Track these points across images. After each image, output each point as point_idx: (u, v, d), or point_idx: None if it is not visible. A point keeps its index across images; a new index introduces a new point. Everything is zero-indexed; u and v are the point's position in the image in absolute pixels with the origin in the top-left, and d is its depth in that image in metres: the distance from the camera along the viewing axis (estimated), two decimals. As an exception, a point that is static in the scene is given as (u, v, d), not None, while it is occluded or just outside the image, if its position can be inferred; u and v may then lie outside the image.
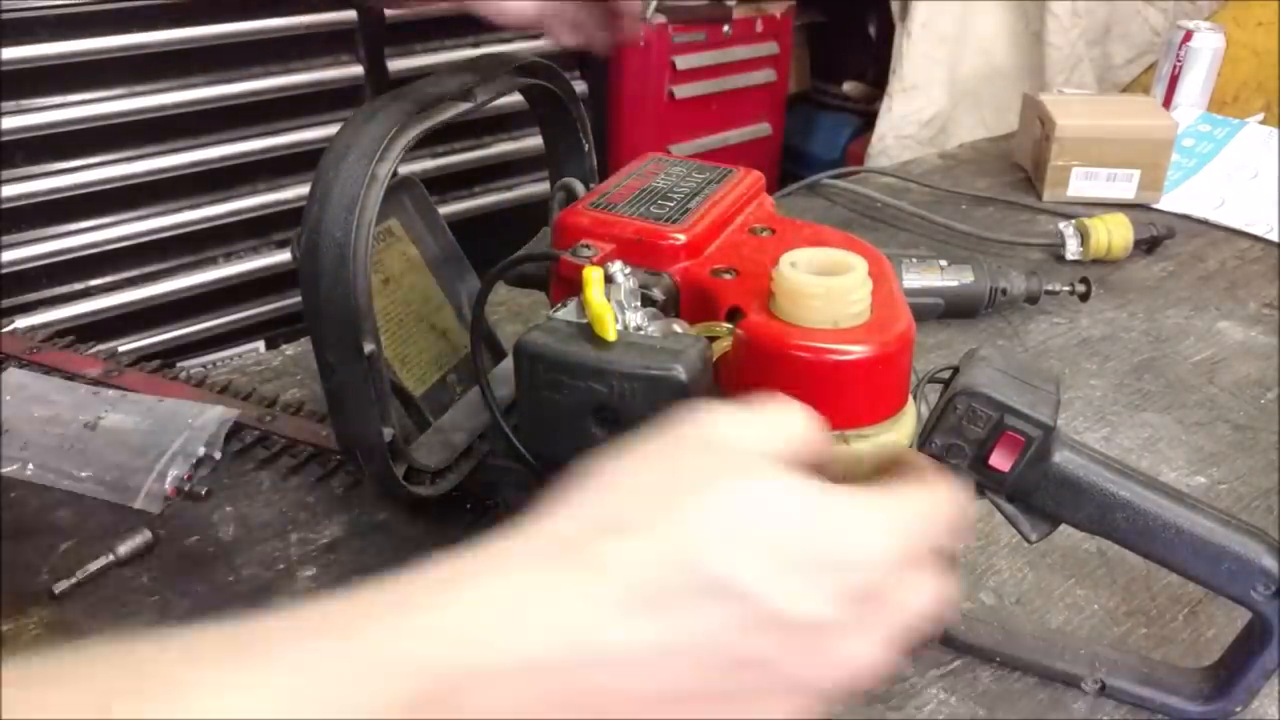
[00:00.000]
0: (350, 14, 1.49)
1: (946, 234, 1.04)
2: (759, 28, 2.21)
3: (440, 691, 0.26)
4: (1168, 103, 1.31)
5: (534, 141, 0.54)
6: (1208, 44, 1.27)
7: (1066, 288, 0.88)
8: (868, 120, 2.12)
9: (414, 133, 0.49)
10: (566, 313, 0.43)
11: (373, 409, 0.52)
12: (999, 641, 0.52)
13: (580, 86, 0.52)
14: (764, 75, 2.27)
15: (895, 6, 1.97)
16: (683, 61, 2.08)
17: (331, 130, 0.47)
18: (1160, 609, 0.57)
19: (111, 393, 0.70)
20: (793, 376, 0.40)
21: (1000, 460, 0.46)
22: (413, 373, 0.63)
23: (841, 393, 0.40)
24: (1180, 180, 1.18)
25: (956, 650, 0.53)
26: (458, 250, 0.67)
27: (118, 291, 1.46)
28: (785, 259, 0.41)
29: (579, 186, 0.56)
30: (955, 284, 0.86)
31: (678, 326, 0.42)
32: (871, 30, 2.40)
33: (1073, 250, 0.99)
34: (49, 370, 0.73)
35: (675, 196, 0.48)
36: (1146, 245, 1.01)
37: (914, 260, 0.87)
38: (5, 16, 1.23)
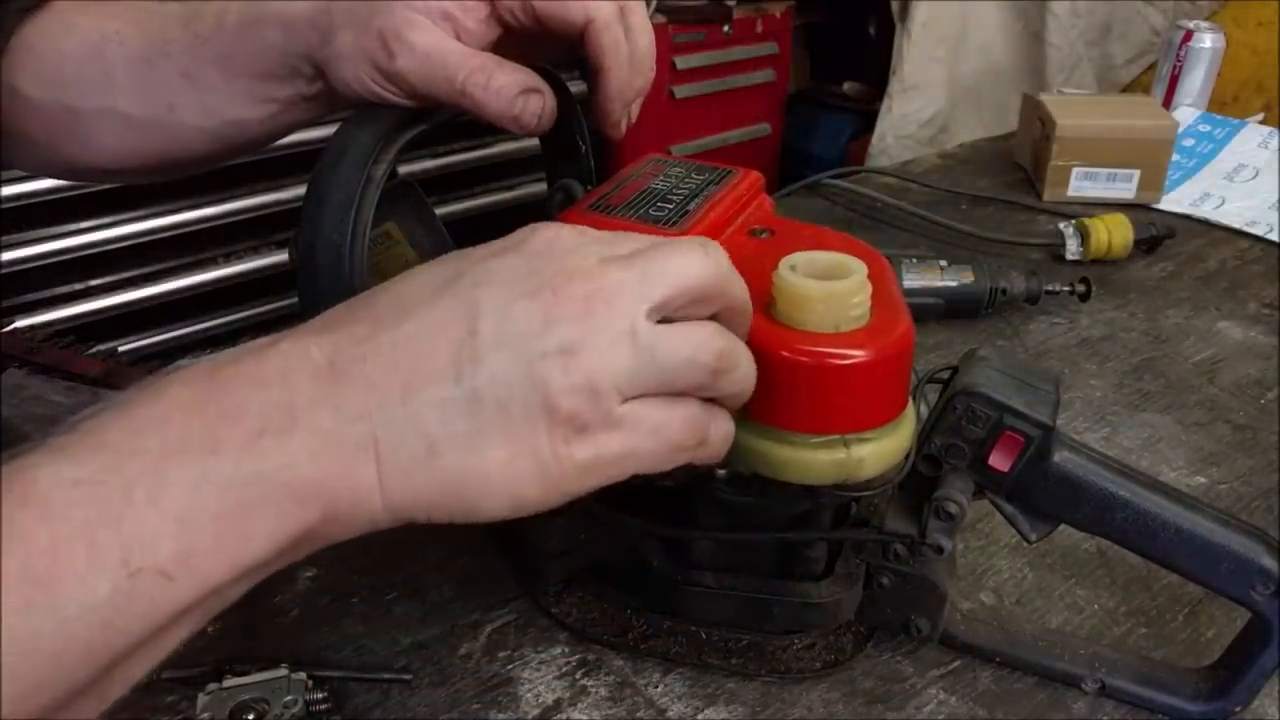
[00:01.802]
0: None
1: (946, 234, 1.04)
2: (759, 28, 2.22)
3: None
4: (1168, 103, 1.31)
5: (533, 141, 0.53)
6: (1208, 44, 1.27)
7: (1066, 288, 0.88)
8: (868, 120, 2.12)
9: (410, 134, 0.49)
10: None
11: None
12: (999, 641, 0.52)
13: (578, 87, 0.52)
14: (764, 75, 2.27)
15: (895, 6, 1.97)
16: (683, 61, 2.08)
17: (331, 130, 0.47)
18: (1160, 609, 0.57)
19: (111, 393, 0.70)
20: (792, 381, 0.40)
21: (999, 460, 0.46)
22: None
23: (842, 397, 0.40)
24: (1180, 180, 1.18)
25: (956, 650, 0.53)
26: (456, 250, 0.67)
27: (118, 291, 1.46)
28: (785, 262, 0.41)
29: (577, 188, 0.56)
30: (955, 284, 0.86)
31: None
32: (871, 30, 2.40)
33: (1073, 250, 0.99)
34: (49, 370, 0.73)
35: (674, 199, 0.48)
36: (1146, 245, 1.01)
37: (914, 260, 0.87)
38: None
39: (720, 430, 0.38)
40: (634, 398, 0.35)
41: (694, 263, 0.36)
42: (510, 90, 0.45)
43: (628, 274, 0.35)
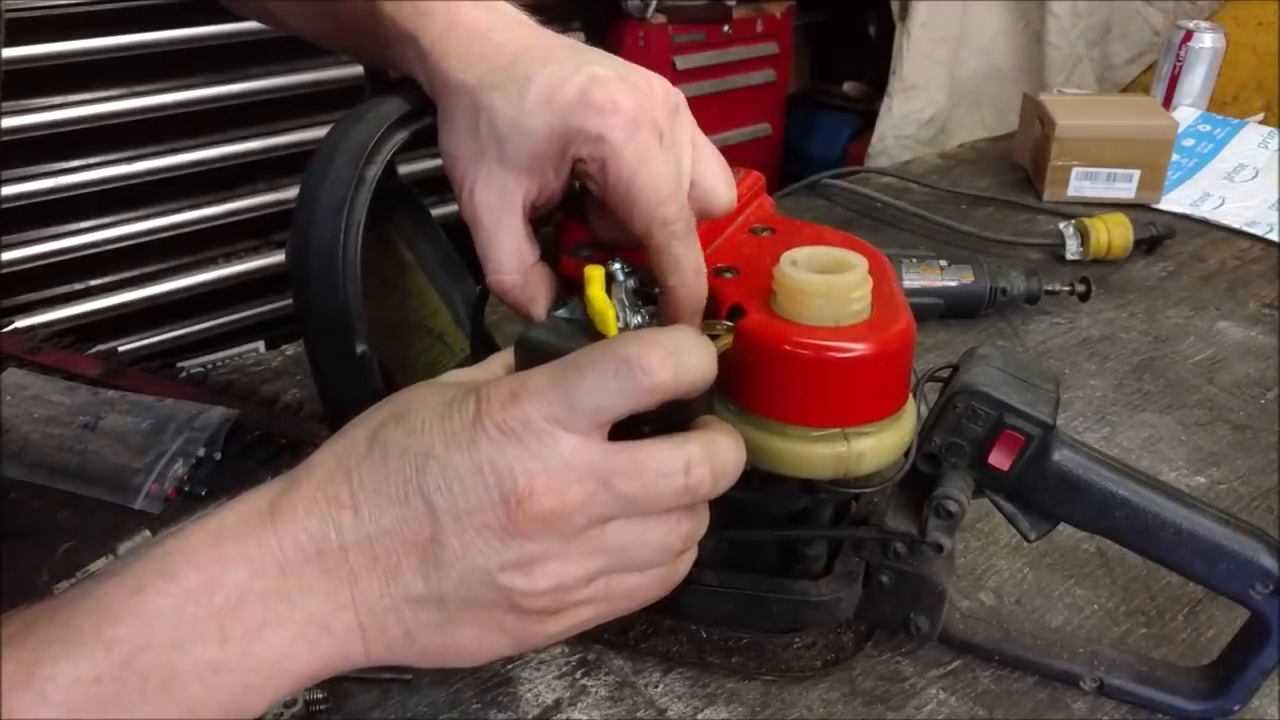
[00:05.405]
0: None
1: (946, 234, 1.04)
2: (759, 28, 2.21)
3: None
4: (1168, 103, 1.31)
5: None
6: (1208, 44, 1.27)
7: (1066, 288, 0.88)
8: (868, 120, 2.12)
9: (402, 134, 0.49)
10: (568, 311, 0.43)
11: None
12: (999, 641, 0.52)
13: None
14: (764, 75, 2.27)
15: (895, 6, 1.97)
16: (683, 61, 2.08)
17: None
18: (1160, 609, 0.57)
19: (111, 393, 0.70)
20: (793, 374, 0.40)
21: (999, 459, 0.46)
22: (409, 376, 0.63)
23: (842, 390, 0.40)
24: (1180, 180, 1.18)
25: (956, 650, 0.53)
26: (453, 253, 0.67)
27: (118, 291, 1.46)
28: (786, 257, 0.41)
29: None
30: (955, 284, 0.86)
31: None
32: (871, 30, 2.40)
33: (1073, 250, 0.99)
34: (49, 370, 0.73)
35: (675, 197, 0.48)
36: (1146, 245, 1.01)
37: (914, 260, 0.87)
38: (6, 17, 1.23)
39: (689, 560, 0.40)
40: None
41: (665, 453, 0.36)
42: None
43: (585, 483, 0.35)
